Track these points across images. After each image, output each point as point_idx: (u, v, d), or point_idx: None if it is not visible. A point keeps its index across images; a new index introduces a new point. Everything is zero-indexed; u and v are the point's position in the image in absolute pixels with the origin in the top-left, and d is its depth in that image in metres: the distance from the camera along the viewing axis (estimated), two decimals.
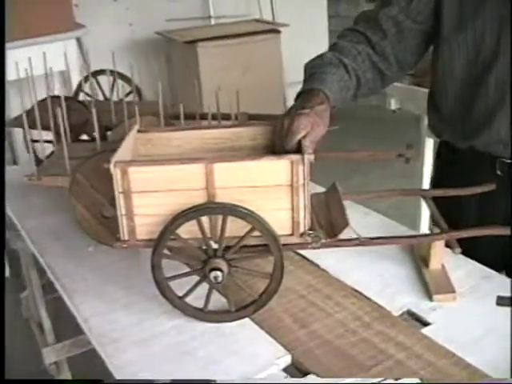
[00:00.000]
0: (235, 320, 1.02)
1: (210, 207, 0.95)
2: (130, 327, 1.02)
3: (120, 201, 0.98)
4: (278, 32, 2.97)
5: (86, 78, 1.73)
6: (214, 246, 0.99)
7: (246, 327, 1.01)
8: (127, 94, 1.83)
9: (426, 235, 1.03)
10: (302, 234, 1.00)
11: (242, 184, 0.97)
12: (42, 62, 1.56)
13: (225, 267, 0.98)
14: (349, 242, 1.03)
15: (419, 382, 0.87)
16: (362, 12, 1.32)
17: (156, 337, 1.00)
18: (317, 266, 1.17)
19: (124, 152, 1.05)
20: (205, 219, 0.97)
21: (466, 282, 1.09)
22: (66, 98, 1.49)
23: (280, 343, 0.97)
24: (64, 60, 1.64)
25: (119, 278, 1.14)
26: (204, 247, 0.98)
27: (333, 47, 1.26)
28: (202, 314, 1.01)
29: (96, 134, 1.33)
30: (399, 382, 0.87)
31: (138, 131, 1.13)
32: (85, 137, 1.59)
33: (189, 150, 1.13)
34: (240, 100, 1.42)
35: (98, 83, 1.76)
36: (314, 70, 1.19)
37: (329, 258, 1.16)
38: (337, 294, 1.08)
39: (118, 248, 1.01)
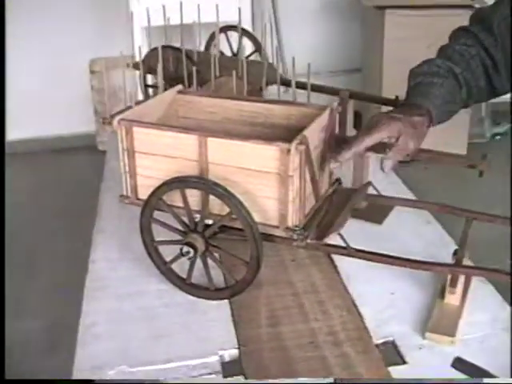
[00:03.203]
0: (210, 299, 0.98)
1: (191, 181, 0.92)
2: (122, 279, 1.05)
3: (124, 158, 0.99)
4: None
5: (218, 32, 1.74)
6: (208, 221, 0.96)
7: (219, 309, 0.97)
8: (252, 53, 1.81)
9: (422, 262, 0.87)
10: (287, 229, 0.92)
11: (232, 163, 0.92)
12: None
13: (201, 244, 0.94)
14: (335, 249, 0.92)
15: None
16: (479, 9, 1.12)
17: (135, 295, 1.01)
18: (334, 266, 1.07)
19: (150, 110, 1.06)
20: (198, 192, 0.94)
21: (481, 329, 0.90)
22: (175, 49, 1.52)
23: (238, 335, 0.91)
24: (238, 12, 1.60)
25: None
26: (187, 220, 0.96)
27: (443, 51, 1.08)
28: (183, 285, 0.99)
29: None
30: None
31: (179, 92, 1.12)
32: None
33: (223, 119, 1.09)
34: None
35: (227, 38, 1.77)
36: (419, 78, 1.03)
37: (352, 262, 1.04)
38: (332, 301, 0.98)
39: (122, 202, 1.03)
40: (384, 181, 1.35)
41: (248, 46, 1.80)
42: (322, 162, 0.97)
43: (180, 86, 1.15)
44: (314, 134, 0.93)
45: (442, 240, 1.14)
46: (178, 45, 1.55)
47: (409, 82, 1.05)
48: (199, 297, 0.99)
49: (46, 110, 3.25)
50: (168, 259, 1.00)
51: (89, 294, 1.01)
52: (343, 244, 0.91)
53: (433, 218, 1.20)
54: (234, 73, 1.18)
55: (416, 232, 1.16)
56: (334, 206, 0.99)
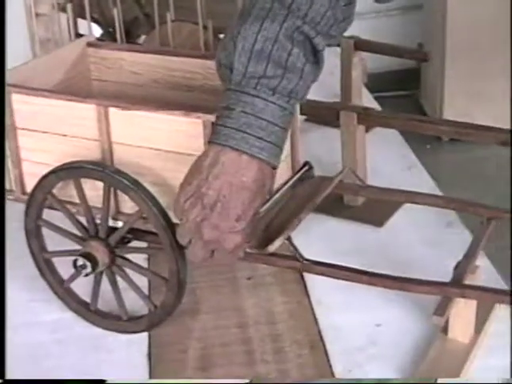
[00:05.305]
0: (123, 332, 1.00)
1: (86, 168, 0.94)
2: (9, 305, 1.07)
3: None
4: None
5: None
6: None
7: (132, 345, 0.99)
8: None
9: (398, 279, 0.87)
10: None
11: (144, 143, 0.94)
12: None
13: (103, 255, 0.96)
14: (283, 261, 0.93)
15: None
16: None
17: (22, 326, 1.04)
18: (304, 287, 1.08)
19: (46, 70, 1.09)
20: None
21: (500, 377, 0.90)
22: None
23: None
24: None
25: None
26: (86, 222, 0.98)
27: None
28: (86, 312, 1.02)
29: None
30: None
31: (89, 45, 1.15)
32: None
33: (150, 82, 1.11)
34: None
35: None
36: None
37: (329, 281, 1.04)
38: (291, 335, 1.00)
39: (6, 199, 1.06)
40: (396, 163, 1.38)
41: None
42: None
43: (91, 37, 1.17)
44: None
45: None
46: None
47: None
48: (107, 329, 1.01)
49: None
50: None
51: None
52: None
53: (458, 218, 1.20)
54: None
55: (429, 238, 1.17)
56: (295, 201, 1.00)
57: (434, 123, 1.17)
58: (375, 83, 1.90)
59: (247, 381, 0.90)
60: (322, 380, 0.91)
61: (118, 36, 1.28)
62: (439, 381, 0.87)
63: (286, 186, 1.02)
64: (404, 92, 3.62)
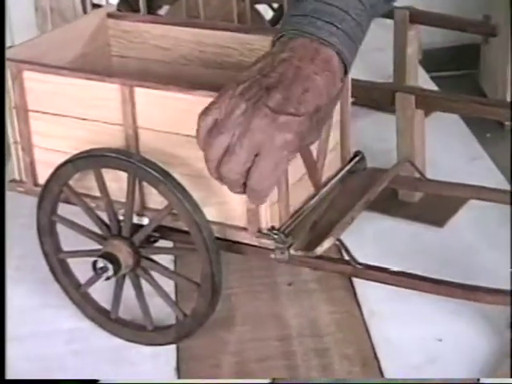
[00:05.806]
0: (146, 344, 1.01)
1: (108, 156, 0.95)
2: (16, 312, 1.08)
3: (13, 120, 1.04)
4: None
5: None
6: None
7: (158, 359, 1.00)
8: None
9: (463, 287, 0.87)
10: (260, 233, 0.94)
11: (174, 129, 0.95)
12: None
13: (127, 256, 0.97)
14: (332, 265, 0.94)
15: None
16: None
17: (32, 337, 1.05)
18: (354, 294, 1.09)
19: (62, 44, 1.10)
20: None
21: None
22: None
23: None
24: None
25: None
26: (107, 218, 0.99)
27: None
28: (105, 321, 1.03)
29: None
30: None
31: (110, 16, 1.16)
32: None
33: (178, 58, 1.12)
34: None
35: None
36: None
37: (383, 288, 1.05)
38: (340, 350, 1.00)
39: (13, 190, 1.08)
40: (458, 154, 1.38)
41: None
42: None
43: (111, 6, 1.18)
44: None
45: None
46: None
47: None
48: (130, 340, 1.02)
49: None
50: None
51: None
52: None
53: None
54: None
55: (498, 240, 1.16)
56: (345, 197, 1.01)
57: (506, 107, 1.16)
58: (427, 61, 1.89)
59: (268, 380, 0.93)
60: (345, 380, 0.94)
61: (140, 5, 1.28)
62: (482, 380, 0.90)
63: (335, 179, 1.02)
64: (460, 71, 3.60)
